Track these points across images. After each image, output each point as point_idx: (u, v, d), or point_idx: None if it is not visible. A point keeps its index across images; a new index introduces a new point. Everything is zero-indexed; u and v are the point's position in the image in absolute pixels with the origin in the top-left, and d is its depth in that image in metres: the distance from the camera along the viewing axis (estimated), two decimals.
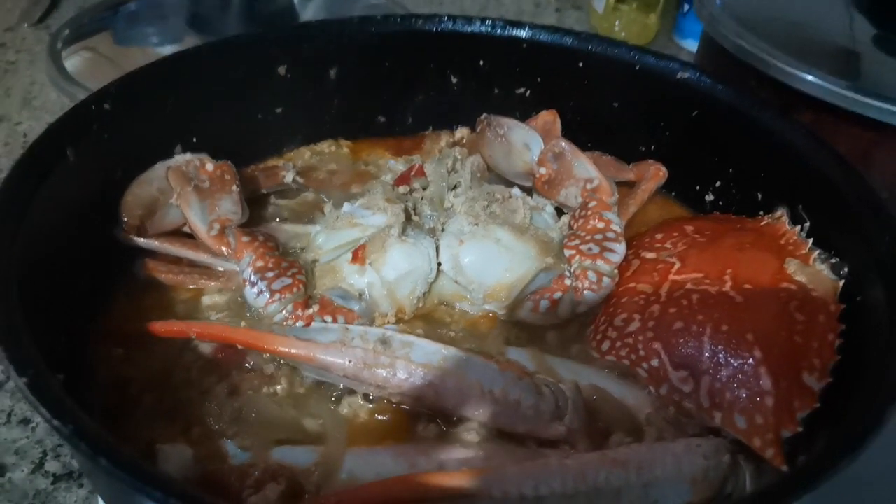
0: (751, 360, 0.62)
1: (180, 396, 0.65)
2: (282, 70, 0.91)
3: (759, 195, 0.83)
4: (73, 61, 1.36)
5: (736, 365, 0.62)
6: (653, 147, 0.94)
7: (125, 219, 0.75)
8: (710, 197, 0.90)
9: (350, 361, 0.62)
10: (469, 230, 0.75)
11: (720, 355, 0.63)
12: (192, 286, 0.76)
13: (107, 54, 1.44)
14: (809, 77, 0.80)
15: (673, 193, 0.95)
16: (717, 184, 0.89)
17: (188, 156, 0.79)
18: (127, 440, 0.60)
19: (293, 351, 0.63)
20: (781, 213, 0.78)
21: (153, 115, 0.80)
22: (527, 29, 0.95)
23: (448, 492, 0.53)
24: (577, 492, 0.55)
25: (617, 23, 1.54)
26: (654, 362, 0.66)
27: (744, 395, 0.60)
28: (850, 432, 0.48)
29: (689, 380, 0.63)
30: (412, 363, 0.62)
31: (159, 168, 0.78)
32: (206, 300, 0.75)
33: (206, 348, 0.68)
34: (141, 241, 0.75)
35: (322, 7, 1.61)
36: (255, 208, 0.87)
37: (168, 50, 1.40)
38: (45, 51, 1.36)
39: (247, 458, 0.59)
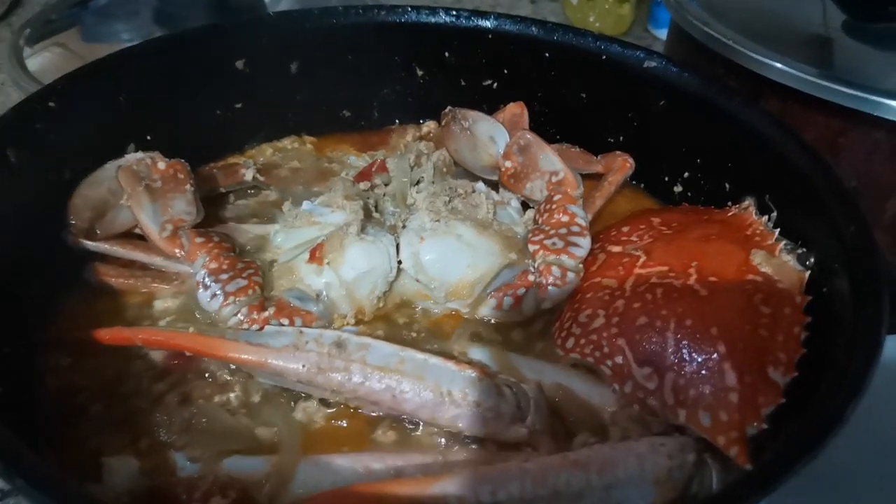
0: (715, 355, 0.60)
1: (129, 406, 0.62)
2: (240, 64, 0.88)
3: (727, 185, 0.81)
4: (40, 58, 1.32)
5: (700, 360, 0.60)
6: (621, 138, 0.93)
7: (73, 221, 0.72)
8: (678, 188, 0.89)
9: (304, 366, 0.60)
10: (430, 227, 0.73)
11: (684, 351, 0.61)
12: (144, 290, 0.73)
13: (76, 51, 1.40)
14: (777, 64, 0.78)
15: (642, 185, 0.93)
16: (686, 175, 0.87)
17: (139, 154, 0.76)
18: (74, 450, 0.58)
19: (244, 356, 0.60)
20: (748, 204, 0.76)
21: (103, 113, 0.77)
22: (491, 19, 0.93)
23: (403, 501, 0.52)
24: (537, 496, 0.54)
25: (591, 14, 1.52)
26: (618, 359, 0.64)
27: (708, 392, 0.59)
28: (811, 430, 0.47)
29: (654, 376, 0.62)
30: (368, 366, 0.60)
31: (109, 168, 0.75)
32: (159, 304, 0.72)
33: (157, 356, 0.66)
34: (90, 244, 0.73)
35: (295, 2, 1.58)
36: (213, 208, 0.84)
37: None
38: (7, 49, 1.32)
39: (196, 470, 0.57)
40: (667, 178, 0.90)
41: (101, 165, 0.76)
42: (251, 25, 0.89)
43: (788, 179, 0.72)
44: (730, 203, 0.79)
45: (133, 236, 0.75)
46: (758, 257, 0.67)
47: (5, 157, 0.65)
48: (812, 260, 0.66)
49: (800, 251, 0.68)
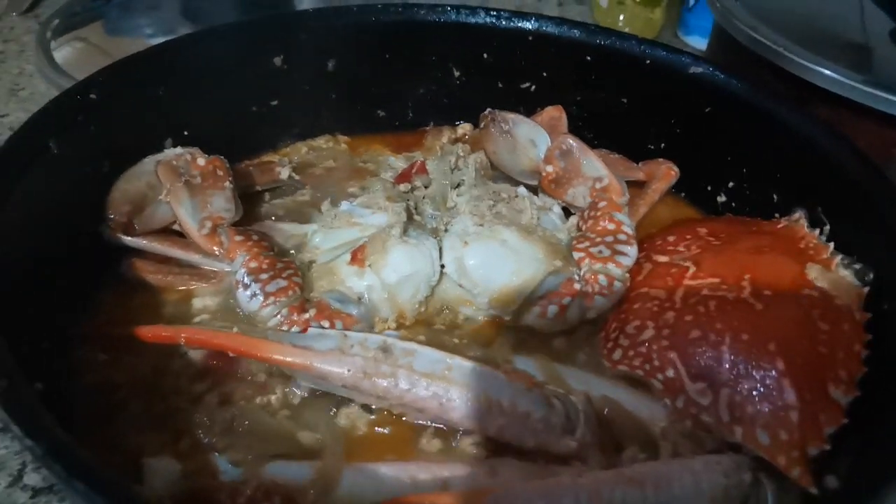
0: (773, 372, 0.58)
1: (169, 405, 0.61)
2: (278, 60, 0.87)
3: (775, 196, 0.80)
4: (63, 52, 1.31)
5: (757, 376, 0.59)
6: (663, 145, 0.91)
7: (112, 216, 0.71)
8: (722, 198, 0.87)
9: (349, 370, 0.59)
10: (474, 231, 0.71)
11: (740, 366, 0.60)
12: (181, 287, 0.72)
13: (98, 45, 1.39)
14: (826, 71, 0.77)
15: (683, 194, 0.91)
16: (730, 184, 0.86)
17: (179, 150, 0.75)
18: (112, 450, 0.57)
19: (288, 359, 0.59)
20: (799, 216, 0.74)
21: (142, 107, 0.76)
22: (533, 20, 0.92)
23: None
24: None
25: (620, 18, 1.51)
26: (670, 373, 0.62)
27: (766, 409, 0.57)
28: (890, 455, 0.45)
29: (708, 392, 0.60)
30: (415, 373, 0.59)
31: (148, 162, 0.74)
32: (197, 303, 0.71)
33: (196, 354, 0.64)
34: (128, 239, 0.71)
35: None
36: (249, 206, 0.83)
37: (161, 41, 1.36)
38: (34, 40, 1.31)
39: (238, 474, 0.55)
40: (709, 188, 0.88)
41: (139, 160, 0.74)
42: (290, 20, 0.87)
43: (842, 190, 0.70)
44: (777, 215, 0.78)
45: (171, 232, 0.74)
46: (813, 271, 0.66)
47: (48, 148, 0.63)
48: (871, 275, 0.64)
49: (857, 266, 0.66)
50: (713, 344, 0.61)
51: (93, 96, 0.69)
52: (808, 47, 0.82)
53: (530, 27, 0.92)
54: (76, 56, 1.34)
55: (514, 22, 0.92)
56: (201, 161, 0.74)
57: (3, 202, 0.59)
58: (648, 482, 0.54)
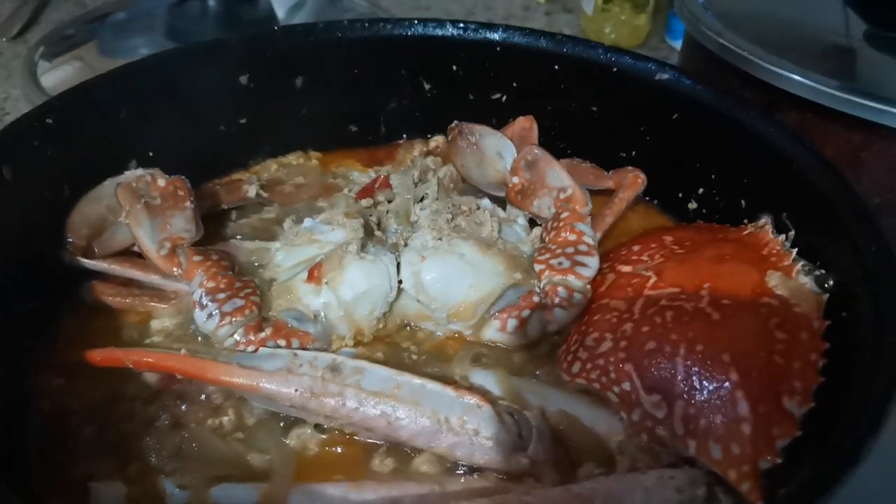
0: (727, 383, 0.57)
1: (121, 429, 0.61)
2: (243, 79, 0.87)
3: (743, 202, 0.78)
4: (59, 72, 1.33)
5: (711, 388, 0.57)
6: (634, 153, 0.90)
7: (71, 239, 0.71)
8: (693, 205, 0.86)
9: (297, 390, 0.58)
10: (432, 245, 0.71)
11: (694, 378, 0.58)
12: (141, 309, 0.72)
13: (93, 65, 1.41)
14: (794, 76, 0.75)
15: (655, 201, 0.90)
16: (700, 191, 0.85)
17: (139, 171, 0.75)
18: (61, 475, 0.57)
19: (235, 380, 0.59)
20: (765, 222, 0.73)
21: (104, 130, 0.77)
22: (500, 31, 0.91)
23: None
24: None
25: (607, 25, 1.50)
26: (626, 385, 0.61)
27: (719, 422, 0.56)
28: (827, 468, 0.44)
29: (663, 404, 0.59)
30: (363, 391, 0.58)
31: (108, 185, 0.74)
32: (156, 324, 0.71)
33: (151, 377, 0.64)
34: (88, 262, 0.72)
35: (309, 18, 1.58)
36: (215, 225, 0.83)
37: None
38: (21, 65, 1.33)
39: (184, 498, 0.55)
40: (681, 195, 0.87)
41: (101, 182, 0.75)
42: (254, 40, 0.88)
43: (806, 197, 0.69)
44: (746, 221, 0.76)
45: (131, 254, 0.74)
46: (773, 279, 0.64)
47: (0, 174, 0.64)
48: (831, 282, 0.63)
49: (818, 273, 0.65)
50: (668, 355, 0.60)
51: (49, 121, 0.69)
52: (776, 52, 0.81)
53: (497, 38, 0.91)
54: (72, 76, 1.35)
55: (481, 33, 0.92)
56: (161, 182, 0.75)
57: None
58: (598, 499, 0.53)
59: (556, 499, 0.53)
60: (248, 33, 0.87)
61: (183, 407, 0.62)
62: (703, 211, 0.85)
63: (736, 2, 0.93)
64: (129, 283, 0.74)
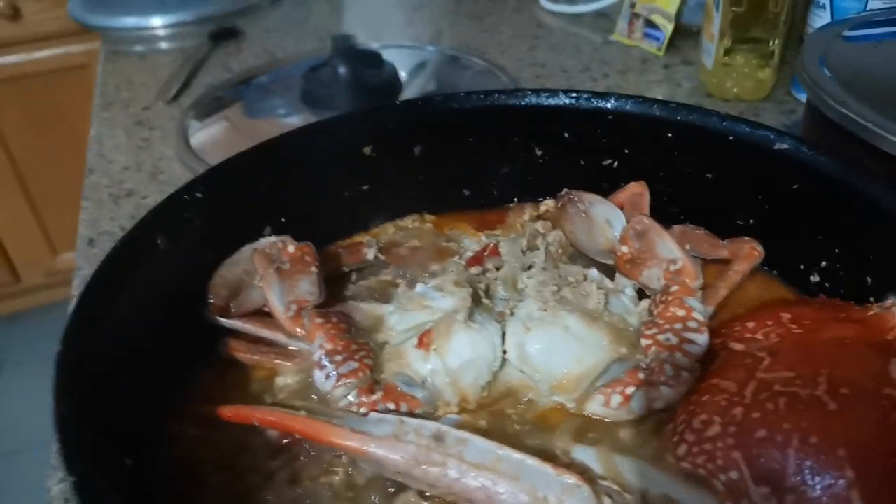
0: (842, 481, 0.54)
1: (245, 482, 0.66)
2: (367, 150, 0.94)
3: (869, 279, 0.75)
4: (208, 131, 1.48)
5: (824, 485, 0.55)
6: (751, 221, 0.88)
7: (212, 300, 0.79)
8: (815, 278, 0.82)
9: (402, 457, 0.62)
10: (537, 316, 0.72)
11: (807, 472, 0.56)
12: (268, 366, 0.78)
13: (237, 125, 1.55)
14: None
15: (775, 272, 0.87)
16: (823, 264, 0.81)
17: (273, 238, 0.82)
18: None
19: (347, 443, 0.63)
20: (892, 303, 0.69)
21: (243, 200, 0.84)
22: (612, 100, 0.93)
23: None
24: None
25: (728, 79, 1.47)
26: (734, 474, 0.60)
27: None
28: None
29: (772, 498, 0.57)
30: (465, 462, 0.61)
31: (246, 251, 0.82)
32: (280, 381, 0.77)
33: (273, 433, 0.70)
34: (225, 321, 0.79)
35: (430, 77, 1.66)
36: (336, 287, 0.89)
37: (293, 120, 1.50)
38: (175, 127, 1.49)
39: None
40: (802, 267, 0.84)
41: (239, 247, 0.83)
42: (378, 113, 0.94)
43: None
44: (872, 299, 0.73)
45: (262, 314, 0.81)
46: None
47: (155, 244, 0.72)
48: None
49: None
50: (779, 446, 0.58)
51: (199, 195, 0.78)
52: None
53: (610, 107, 0.93)
54: (218, 135, 1.50)
55: (593, 102, 0.93)
56: (291, 248, 0.81)
57: (116, 292, 0.68)
58: None
59: None
60: (372, 106, 0.94)
61: (299, 463, 0.67)
62: (826, 285, 0.81)
63: (861, 65, 0.90)
64: (259, 340, 0.80)
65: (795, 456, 0.57)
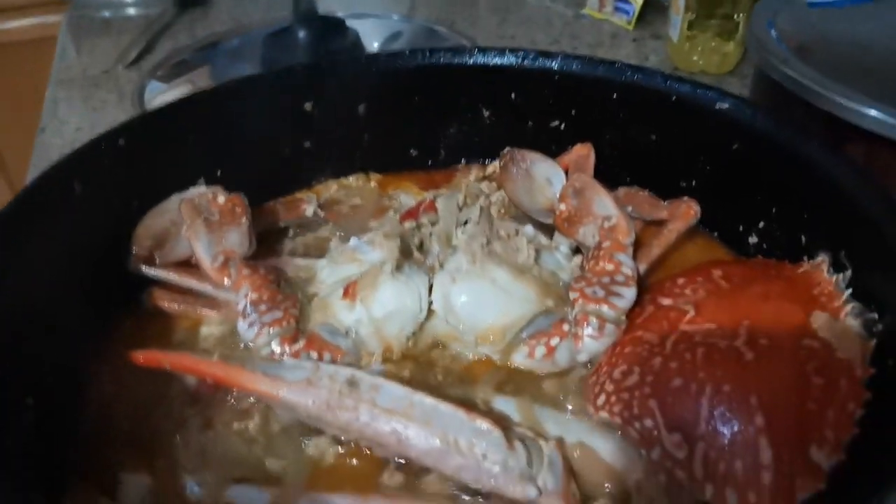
0: (751, 428, 0.54)
1: (157, 426, 0.65)
2: (308, 106, 0.92)
3: (803, 238, 0.74)
4: (172, 94, 1.44)
5: (734, 432, 0.54)
6: (694, 183, 0.87)
7: (135, 249, 0.77)
8: (753, 239, 0.82)
9: (314, 402, 0.60)
10: (465, 268, 0.71)
11: (718, 420, 0.55)
12: (193, 316, 0.77)
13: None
14: (861, 107, 0.71)
15: (716, 234, 0.86)
16: (761, 224, 0.80)
17: (202, 189, 0.81)
18: (98, 462, 0.61)
19: (259, 387, 0.61)
20: (822, 260, 0.68)
21: (173, 152, 0.83)
22: (558, 59, 0.91)
23: None
24: None
25: (694, 53, 1.46)
26: (648, 422, 0.59)
27: (738, 468, 0.53)
28: None
29: (683, 445, 0.56)
30: (376, 408, 0.59)
31: (173, 200, 0.80)
32: (204, 330, 0.75)
33: (191, 380, 0.68)
34: (149, 270, 0.77)
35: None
36: (273, 242, 0.87)
37: None
38: (133, 90, 1.46)
39: (201, 494, 0.58)
40: (741, 228, 0.83)
41: (167, 198, 0.81)
42: (319, 69, 0.92)
43: (865, 235, 0.64)
44: (805, 258, 0.72)
45: (188, 264, 0.79)
46: (819, 320, 0.60)
47: (71, 188, 0.70)
48: (880, 327, 0.58)
49: (868, 316, 0.60)
50: (693, 394, 0.58)
51: (121, 142, 0.76)
52: (849, 82, 0.76)
53: (555, 67, 0.91)
54: None
55: (539, 62, 0.92)
56: (221, 199, 0.80)
57: (27, 237, 0.66)
58: None
59: None
60: (313, 62, 0.92)
61: (214, 410, 0.66)
62: (764, 246, 0.80)
63: (819, 29, 0.88)
64: (184, 291, 0.79)
65: (708, 404, 0.56)
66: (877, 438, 0.50)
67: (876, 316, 0.60)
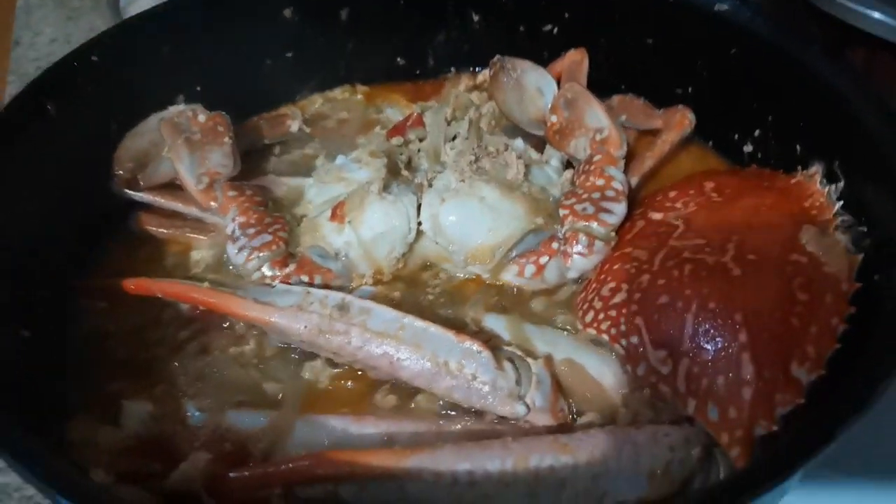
0: (734, 344, 0.55)
1: (153, 352, 0.66)
2: (287, 13, 0.87)
3: (798, 147, 0.72)
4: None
5: (717, 348, 0.55)
6: (690, 90, 0.84)
7: (118, 171, 0.76)
8: (748, 148, 0.80)
9: (305, 326, 0.61)
10: (453, 187, 0.70)
11: (702, 336, 0.56)
12: (182, 240, 0.76)
13: None
14: (863, 9, 0.67)
15: (710, 143, 0.85)
16: (756, 133, 0.79)
17: (181, 107, 0.78)
18: (95, 392, 0.63)
19: (250, 314, 0.62)
20: (815, 171, 0.67)
21: (149, 67, 0.79)
22: None
23: (376, 471, 0.52)
24: (517, 479, 0.52)
25: None
26: (634, 339, 0.60)
27: (720, 383, 0.54)
28: (796, 445, 0.41)
29: (668, 361, 0.57)
30: (367, 331, 0.60)
31: (152, 120, 0.78)
32: (195, 255, 0.75)
33: (184, 305, 0.69)
34: (133, 193, 0.76)
35: None
36: (259, 160, 0.86)
37: None
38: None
39: (202, 419, 0.60)
40: (737, 137, 0.81)
41: (147, 117, 0.78)
42: None
43: (860, 145, 0.63)
44: (800, 168, 0.71)
45: (175, 187, 0.78)
46: (807, 235, 0.60)
47: (45, 111, 0.68)
48: (868, 241, 0.58)
49: (857, 230, 0.59)
50: (679, 311, 0.58)
51: (94, 59, 0.73)
52: None
53: None
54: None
55: None
56: (202, 117, 0.77)
57: (4, 166, 0.64)
58: (583, 451, 0.53)
59: (540, 447, 0.53)
60: None
61: (210, 335, 0.66)
62: (759, 155, 0.79)
63: None
64: (172, 214, 0.78)
65: (693, 321, 0.57)
66: (859, 353, 0.51)
67: (865, 230, 0.59)
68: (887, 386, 0.42)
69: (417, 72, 0.98)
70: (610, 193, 0.69)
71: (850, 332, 0.53)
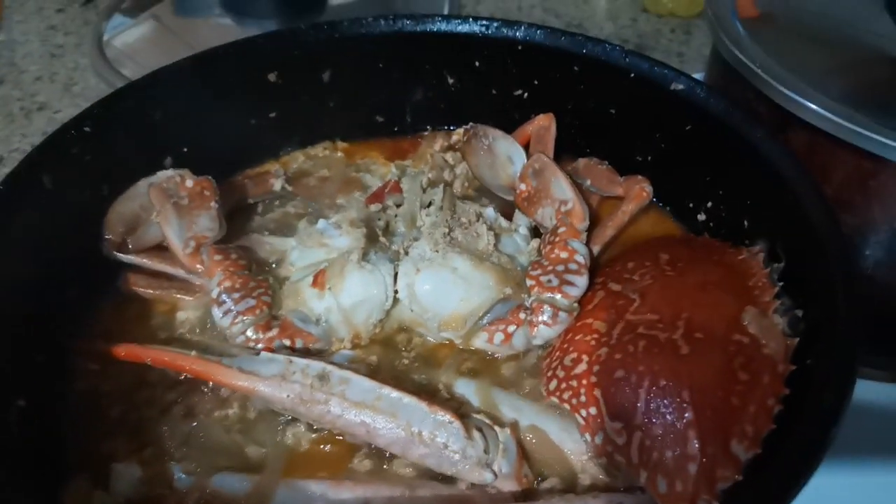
0: (682, 421, 0.60)
1: (142, 414, 0.70)
2: (272, 76, 0.92)
3: (746, 223, 0.79)
4: (136, 31, 1.40)
5: (666, 424, 0.61)
6: (649, 157, 0.90)
7: (108, 235, 0.79)
8: (702, 216, 0.86)
9: (288, 396, 0.65)
10: (428, 257, 0.75)
11: (653, 411, 0.62)
12: (168, 301, 0.80)
13: (169, 25, 1.46)
14: (801, 99, 0.73)
15: (668, 208, 0.91)
16: (709, 204, 0.85)
17: (170, 172, 0.82)
18: (89, 451, 0.66)
19: (236, 383, 0.66)
20: (759, 249, 0.73)
21: (139, 132, 0.83)
22: (522, 29, 0.92)
23: None
24: None
25: None
26: (593, 410, 0.65)
27: (668, 457, 0.59)
28: None
29: (623, 433, 0.63)
30: (346, 401, 0.65)
31: (142, 185, 0.81)
32: (181, 315, 0.79)
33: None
34: (123, 256, 0.80)
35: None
36: (241, 219, 0.90)
37: (229, 22, 1.42)
38: (91, 33, 1.41)
39: (189, 483, 0.64)
40: (691, 205, 0.87)
41: (137, 180, 0.82)
42: (281, 38, 0.91)
43: (797, 228, 0.69)
44: (747, 242, 0.77)
45: (162, 248, 0.81)
46: (748, 316, 0.65)
47: (41, 184, 0.72)
48: (803, 326, 0.64)
49: (793, 314, 0.65)
50: (633, 386, 0.63)
51: (87, 129, 0.76)
52: (797, 67, 0.77)
53: (519, 36, 0.92)
54: (148, 35, 1.42)
55: (502, 31, 0.92)
56: (189, 183, 0.81)
57: (1, 236, 0.68)
58: None
59: None
60: (275, 31, 0.91)
61: (195, 397, 0.70)
62: (711, 224, 0.85)
63: (774, 7, 0.89)
64: (159, 274, 0.81)
65: (646, 396, 0.62)
66: (791, 435, 0.56)
67: (800, 314, 0.65)
68: (806, 482, 0.48)
69: (395, 129, 1.02)
70: (573, 266, 0.75)
71: (782, 413, 0.59)
